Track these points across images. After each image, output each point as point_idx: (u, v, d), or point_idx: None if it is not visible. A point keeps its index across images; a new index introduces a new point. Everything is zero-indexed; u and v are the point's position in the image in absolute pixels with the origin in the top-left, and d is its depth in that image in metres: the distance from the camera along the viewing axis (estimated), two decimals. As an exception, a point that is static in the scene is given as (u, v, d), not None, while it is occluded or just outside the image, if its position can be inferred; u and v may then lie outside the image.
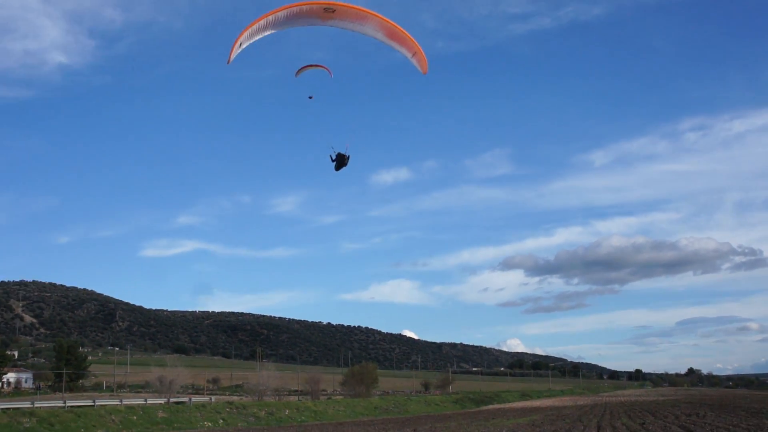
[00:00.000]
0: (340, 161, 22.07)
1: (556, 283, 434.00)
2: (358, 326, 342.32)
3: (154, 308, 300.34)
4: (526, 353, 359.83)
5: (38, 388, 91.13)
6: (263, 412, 49.41)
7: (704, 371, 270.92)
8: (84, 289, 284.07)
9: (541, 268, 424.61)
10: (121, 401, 47.41)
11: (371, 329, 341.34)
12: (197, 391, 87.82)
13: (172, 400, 52.77)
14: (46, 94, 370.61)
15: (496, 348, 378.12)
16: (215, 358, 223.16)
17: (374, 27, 18.94)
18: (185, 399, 54.52)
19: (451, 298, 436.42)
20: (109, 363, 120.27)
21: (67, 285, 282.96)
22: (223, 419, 45.38)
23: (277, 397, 64.61)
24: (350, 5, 18.04)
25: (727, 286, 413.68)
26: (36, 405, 39.35)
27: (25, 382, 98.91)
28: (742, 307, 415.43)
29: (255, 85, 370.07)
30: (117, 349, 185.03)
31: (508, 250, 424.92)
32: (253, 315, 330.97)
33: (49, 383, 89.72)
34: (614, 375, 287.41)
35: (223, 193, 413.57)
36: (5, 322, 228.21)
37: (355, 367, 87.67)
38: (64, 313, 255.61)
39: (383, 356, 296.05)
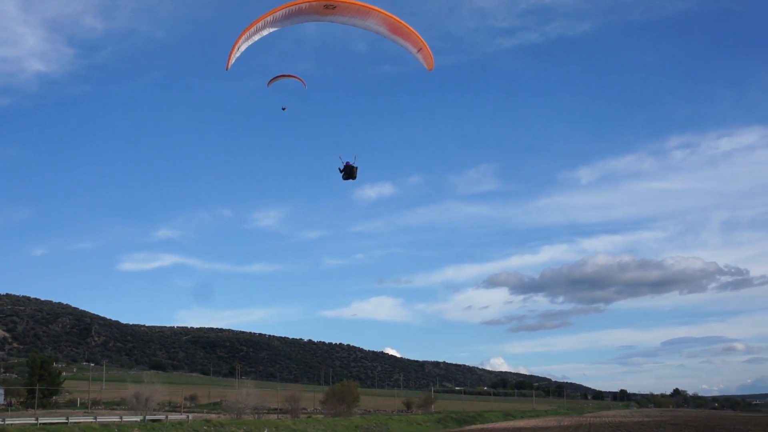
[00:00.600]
0: (348, 172, 22.45)
1: (540, 302, 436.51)
2: (340, 343, 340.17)
3: (131, 323, 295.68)
4: (510, 372, 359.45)
5: (9, 405, 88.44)
6: (241, 431, 48.24)
7: (690, 392, 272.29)
8: (59, 303, 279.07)
9: (525, 286, 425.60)
10: (95, 419, 46.02)
11: (353, 347, 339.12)
12: (174, 408, 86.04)
13: (148, 417, 51.36)
14: (23, 103, 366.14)
15: (480, 367, 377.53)
16: (193, 374, 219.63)
17: (376, 22, 18.47)
18: (162, 417, 53.28)
19: (435, 315, 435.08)
20: (84, 379, 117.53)
21: (42, 298, 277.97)
22: (201, 438, 44.10)
23: (256, 415, 63.34)
24: (351, 1, 17.51)
25: (713, 306, 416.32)
26: (7, 422, 38.07)
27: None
28: (728, 327, 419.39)
29: (237, 97, 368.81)
30: (92, 364, 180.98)
31: (492, 267, 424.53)
32: (232, 331, 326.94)
33: (21, 399, 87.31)
34: (599, 395, 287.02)
35: (203, 207, 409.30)
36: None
37: (336, 385, 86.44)
38: (38, 327, 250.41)
39: (365, 374, 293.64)
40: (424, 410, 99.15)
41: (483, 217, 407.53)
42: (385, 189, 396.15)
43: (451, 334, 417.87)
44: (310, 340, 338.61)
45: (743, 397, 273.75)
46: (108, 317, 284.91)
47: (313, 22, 18.37)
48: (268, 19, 17.38)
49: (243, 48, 18.30)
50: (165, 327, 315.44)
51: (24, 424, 38.37)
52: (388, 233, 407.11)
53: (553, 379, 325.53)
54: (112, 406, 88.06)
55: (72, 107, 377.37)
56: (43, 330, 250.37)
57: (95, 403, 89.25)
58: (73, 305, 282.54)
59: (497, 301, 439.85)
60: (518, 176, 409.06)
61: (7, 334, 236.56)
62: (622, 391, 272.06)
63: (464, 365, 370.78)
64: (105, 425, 41.95)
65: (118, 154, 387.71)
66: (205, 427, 46.97)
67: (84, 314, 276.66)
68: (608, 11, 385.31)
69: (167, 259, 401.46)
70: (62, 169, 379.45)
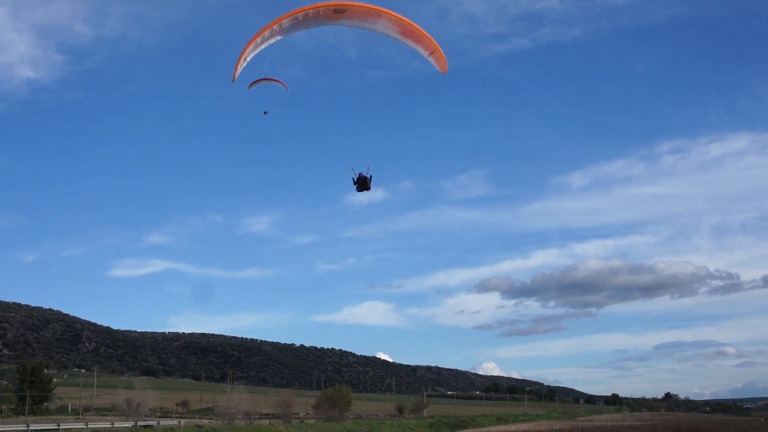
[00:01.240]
0: (362, 183, 22.25)
1: (532, 306, 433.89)
2: (332, 348, 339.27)
3: (122, 329, 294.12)
4: (502, 377, 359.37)
5: (0, 412, 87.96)
6: (235, 436, 48.12)
7: (681, 396, 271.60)
8: (50, 309, 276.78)
9: (517, 291, 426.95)
10: (86, 425, 45.88)
11: (345, 351, 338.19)
12: (166, 414, 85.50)
13: (139, 423, 51.16)
14: (13, 109, 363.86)
15: (472, 371, 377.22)
16: (185, 380, 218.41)
17: (387, 25, 18.37)
18: (153, 422, 53.02)
19: (427, 320, 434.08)
20: (75, 385, 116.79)
21: (32, 305, 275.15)
22: (193, 443, 43.99)
23: (248, 421, 63.12)
24: (360, 4, 17.47)
25: (704, 310, 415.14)
26: (-3, 428, 37.79)
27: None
28: (719, 331, 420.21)
29: (228, 103, 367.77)
30: (83, 371, 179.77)
31: (484, 272, 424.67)
32: (224, 336, 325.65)
33: (12, 406, 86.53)
34: (591, 399, 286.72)
35: (194, 212, 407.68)
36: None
37: (329, 389, 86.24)
38: (28, 333, 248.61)
39: (357, 379, 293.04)
40: (416, 415, 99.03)
41: (475, 222, 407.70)
42: (377, 194, 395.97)
43: (443, 338, 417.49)
44: (302, 345, 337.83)
45: (734, 400, 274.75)
46: (99, 323, 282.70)
47: (323, 26, 18.18)
48: (275, 27, 17.24)
49: (249, 58, 18.21)
50: (156, 333, 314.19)
51: (15, 431, 38.15)
52: (379, 238, 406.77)
53: (545, 384, 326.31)
54: (103, 412, 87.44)
55: (62, 114, 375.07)
56: (34, 336, 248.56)
57: (86, 409, 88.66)
58: (64, 311, 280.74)
59: (489, 305, 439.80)
60: (510, 181, 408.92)
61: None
62: (614, 395, 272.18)
63: (456, 369, 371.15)
64: (96, 431, 41.77)
65: (108, 161, 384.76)
66: (196, 433, 46.81)
67: (75, 320, 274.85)
68: (598, 17, 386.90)
69: (158, 265, 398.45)
70: (53, 176, 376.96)
